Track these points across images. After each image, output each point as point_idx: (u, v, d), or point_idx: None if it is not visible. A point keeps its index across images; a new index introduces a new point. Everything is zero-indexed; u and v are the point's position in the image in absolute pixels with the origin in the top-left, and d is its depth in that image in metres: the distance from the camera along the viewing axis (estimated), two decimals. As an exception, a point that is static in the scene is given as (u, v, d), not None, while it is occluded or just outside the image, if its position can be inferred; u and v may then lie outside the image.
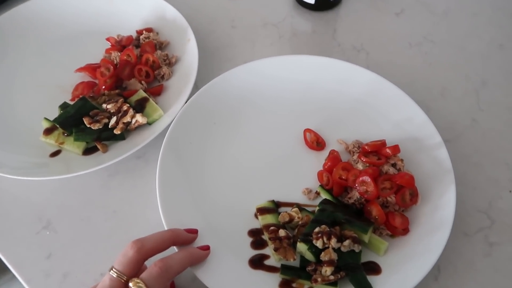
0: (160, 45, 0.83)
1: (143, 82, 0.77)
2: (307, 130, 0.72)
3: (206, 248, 0.57)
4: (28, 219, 0.67)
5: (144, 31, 0.83)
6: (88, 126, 0.69)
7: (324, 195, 0.65)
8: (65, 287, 0.61)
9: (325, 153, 0.70)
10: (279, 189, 0.66)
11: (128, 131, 0.72)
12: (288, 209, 0.64)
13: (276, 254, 0.58)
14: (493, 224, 0.65)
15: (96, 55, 0.83)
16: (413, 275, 0.55)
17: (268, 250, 0.60)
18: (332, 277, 0.54)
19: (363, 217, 0.61)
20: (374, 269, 0.57)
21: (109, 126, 0.70)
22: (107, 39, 0.83)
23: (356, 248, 0.57)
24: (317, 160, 0.70)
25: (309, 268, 0.56)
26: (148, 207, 0.67)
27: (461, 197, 0.66)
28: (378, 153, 0.66)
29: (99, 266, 0.62)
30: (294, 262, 0.58)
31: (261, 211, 0.63)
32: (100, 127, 0.69)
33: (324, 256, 0.56)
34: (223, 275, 0.57)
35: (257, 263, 0.59)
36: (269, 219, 0.62)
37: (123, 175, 0.71)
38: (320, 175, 0.67)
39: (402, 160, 0.66)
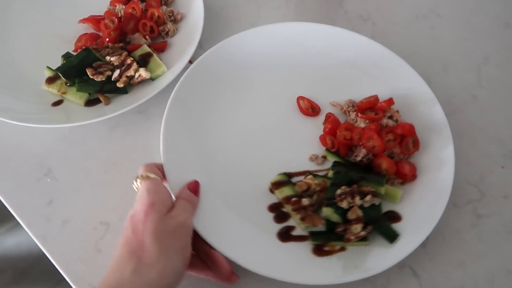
0: (166, 1, 0.82)
1: (147, 37, 0.77)
2: (300, 98, 0.72)
3: (195, 186, 0.59)
4: (29, 165, 0.68)
5: (150, -15, 0.82)
6: (91, 77, 0.69)
7: (332, 158, 0.66)
8: (65, 232, 0.62)
9: (321, 118, 0.71)
10: (286, 160, 0.67)
11: (131, 85, 0.72)
12: (300, 178, 0.65)
13: (302, 223, 0.59)
14: (482, 197, 0.67)
15: (100, 6, 0.81)
16: (430, 216, 0.59)
17: (292, 221, 0.61)
18: (363, 233, 0.57)
19: (374, 171, 0.64)
20: (395, 217, 0.61)
21: (112, 79, 0.70)
22: (112, -9, 0.82)
23: (376, 201, 0.60)
24: (316, 126, 0.71)
25: (338, 230, 0.58)
26: (148, 160, 0.68)
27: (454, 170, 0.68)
28: (373, 109, 0.68)
29: (98, 215, 0.64)
30: (320, 226, 0.60)
31: (276, 185, 0.63)
32: (103, 79, 0.69)
33: (351, 215, 0.58)
34: (256, 253, 0.58)
35: (285, 235, 0.60)
36: (286, 191, 0.62)
37: (124, 128, 0.72)
38: (323, 139, 0.68)
39: (397, 111, 0.69)
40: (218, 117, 0.70)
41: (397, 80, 0.72)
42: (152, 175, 0.54)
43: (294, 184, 0.63)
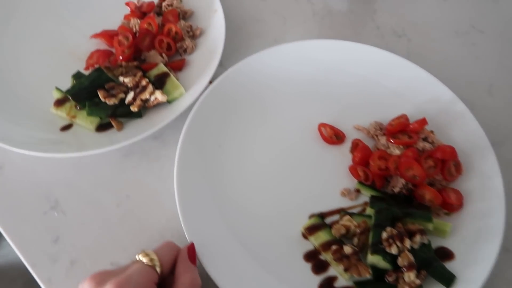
0: (184, 15, 0.76)
1: (164, 55, 0.70)
2: (322, 125, 0.65)
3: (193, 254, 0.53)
4: (35, 197, 0.62)
5: (167, -2, 0.76)
6: (103, 100, 0.63)
7: (367, 192, 0.60)
8: (72, 275, 0.57)
9: (347, 145, 0.65)
10: (315, 198, 0.60)
11: (145, 108, 0.66)
12: (335, 218, 0.59)
13: (346, 273, 0.53)
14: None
15: (113, 20, 0.75)
16: (487, 252, 0.54)
17: (333, 270, 0.55)
18: (418, 281, 0.51)
19: (416, 203, 0.58)
20: (447, 254, 0.55)
21: (126, 102, 0.64)
22: (127, 4, 0.76)
23: (425, 239, 0.54)
24: (342, 155, 0.64)
25: (390, 279, 0.52)
26: (163, 194, 0.62)
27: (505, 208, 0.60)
28: (405, 131, 0.62)
29: (109, 254, 0.58)
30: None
31: (310, 230, 0.57)
32: (116, 102, 0.63)
33: (402, 262, 0.52)
34: None
35: None
36: (322, 236, 0.56)
37: (138, 156, 0.66)
38: (353, 170, 0.62)
39: (432, 132, 0.63)
40: (237, 148, 0.64)
41: (428, 99, 0.66)
42: (145, 259, 0.48)
43: (330, 227, 0.57)
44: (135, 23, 0.72)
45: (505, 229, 0.55)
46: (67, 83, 0.67)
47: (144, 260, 0.48)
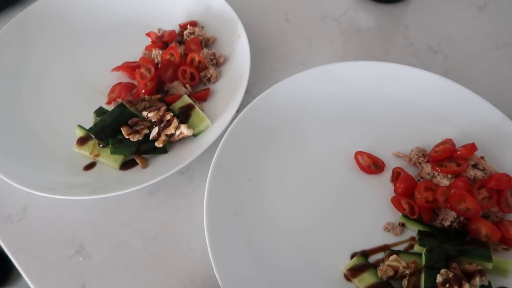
0: (207, 42, 0.73)
1: (187, 85, 0.68)
2: (358, 153, 0.61)
3: None
4: (60, 241, 0.60)
5: (188, 26, 0.73)
6: (127, 137, 0.60)
7: (413, 226, 0.55)
8: (99, 326, 0.53)
9: (387, 174, 0.60)
10: (355, 235, 0.56)
11: (170, 142, 0.63)
12: (379, 256, 0.54)
13: None
14: None
15: (134, 52, 0.73)
16: None
17: None
18: None
19: (470, 238, 0.53)
20: None
21: (150, 138, 0.61)
22: (147, 35, 0.74)
23: (485, 281, 0.48)
24: (382, 185, 0.59)
25: None
26: (192, 233, 0.59)
27: None
28: (452, 158, 0.57)
29: (138, 302, 0.54)
30: None
31: (353, 271, 0.52)
32: (140, 138, 0.60)
33: None
34: None
35: None
36: (367, 279, 0.51)
37: (164, 193, 0.62)
38: (396, 202, 0.57)
39: (483, 158, 0.58)
40: (268, 183, 0.60)
41: (473, 120, 0.61)
42: None
43: (375, 267, 0.52)
44: (156, 54, 0.69)
45: None
46: (89, 119, 0.65)
47: None
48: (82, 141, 0.62)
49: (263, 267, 0.53)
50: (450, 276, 0.47)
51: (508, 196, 0.54)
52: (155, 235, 0.59)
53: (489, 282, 0.49)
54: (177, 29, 0.75)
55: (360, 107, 0.65)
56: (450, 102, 0.63)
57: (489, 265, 0.50)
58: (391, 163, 0.61)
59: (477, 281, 0.48)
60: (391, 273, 0.50)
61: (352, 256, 0.54)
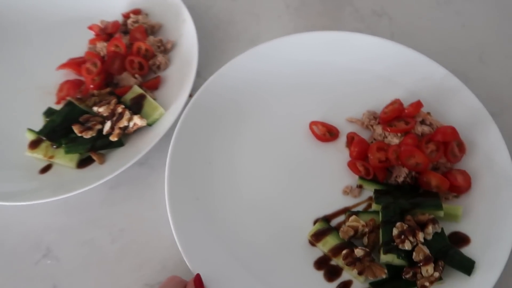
0: (152, 30, 0.72)
1: (137, 75, 0.67)
2: (313, 123, 0.62)
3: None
4: (24, 247, 0.59)
5: (131, 14, 0.72)
6: (80, 135, 0.59)
7: (370, 186, 0.57)
8: (76, 324, 0.54)
9: (342, 140, 0.62)
10: (316, 201, 0.57)
11: (126, 135, 0.62)
12: (340, 219, 0.56)
13: (361, 276, 0.50)
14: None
15: (78, 47, 0.71)
16: (503, 229, 0.51)
17: (346, 275, 0.52)
18: (437, 274, 0.48)
19: (422, 191, 0.56)
20: (462, 239, 0.53)
21: (104, 133, 0.60)
22: (90, 28, 0.72)
23: (438, 228, 0.51)
24: (339, 151, 0.61)
25: (407, 276, 0.49)
26: (160, 222, 0.59)
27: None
28: (401, 118, 0.59)
29: (112, 296, 0.55)
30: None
31: (317, 236, 0.54)
32: (94, 134, 0.60)
33: (417, 256, 0.49)
34: None
35: None
36: (330, 242, 0.53)
37: (126, 186, 0.62)
38: (352, 166, 0.59)
39: (429, 113, 0.60)
40: (228, 163, 0.60)
41: (419, 79, 0.63)
42: None
43: (337, 229, 0.54)
44: (101, 46, 0.68)
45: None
46: (40, 121, 0.64)
47: None
48: (34, 145, 0.61)
49: (230, 245, 0.54)
50: (405, 228, 0.50)
51: (454, 147, 0.56)
52: (122, 228, 0.59)
53: (442, 229, 0.52)
54: (120, 19, 0.73)
55: (311, 78, 0.66)
56: (397, 64, 0.64)
57: (441, 213, 0.52)
58: (345, 129, 0.62)
59: (430, 229, 0.50)
60: (351, 233, 0.52)
61: (315, 222, 0.56)
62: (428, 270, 0.48)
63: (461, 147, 0.57)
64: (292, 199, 0.58)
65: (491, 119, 0.58)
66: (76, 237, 0.59)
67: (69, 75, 0.70)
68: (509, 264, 0.50)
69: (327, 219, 0.56)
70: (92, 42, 0.70)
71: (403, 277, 0.49)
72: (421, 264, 0.48)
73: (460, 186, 0.55)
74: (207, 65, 0.70)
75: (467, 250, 0.51)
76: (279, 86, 0.66)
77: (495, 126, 0.57)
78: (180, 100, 0.63)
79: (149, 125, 0.62)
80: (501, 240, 0.50)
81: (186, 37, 0.69)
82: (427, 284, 0.48)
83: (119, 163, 0.59)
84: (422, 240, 0.50)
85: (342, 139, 0.62)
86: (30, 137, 0.62)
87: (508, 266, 0.49)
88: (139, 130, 0.62)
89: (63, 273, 0.57)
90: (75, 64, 0.68)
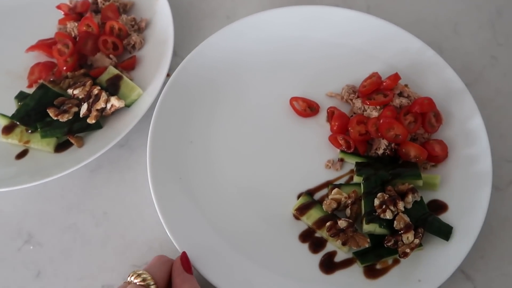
0: (124, 8, 0.70)
1: (111, 56, 0.65)
2: (293, 99, 0.62)
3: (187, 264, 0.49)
4: (5, 235, 0.58)
5: (101, -8, 0.69)
6: (56, 118, 0.58)
7: (351, 159, 0.58)
8: (63, 308, 0.54)
9: (323, 115, 0.62)
10: (299, 176, 0.58)
11: (104, 117, 0.61)
12: (323, 192, 0.57)
13: (345, 247, 0.51)
14: (526, 174, 0.60)
15: (47, 28, 0.69)
16: (479, 196, 0.53)
17: (331, 246, 0.53)
18: (417, 240, 0.50)
19: (402, 161, 0.57)
20: (441, 206, 0.55)
21: (81, 115, 0.59)
22: (58, 7, 0.69)
23: (418, 197, 0.53)
24: (320, 126, 0.62)
25: (389, 244, 0.50)
26: (143, 203, 0.59)
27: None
28: (379, 90, 0.60)
29: (98, 279, 0.55)
30: None
31: (301, 210, 0.54)
32: (70, 117, 0.58)
33: (398, 225, 0.50)
34: None
35: (328, 265, 0.52)
36: (314, 215, 0.54)
37: (107, 168, 0.61)
38: (333, 140, 0.60)
39: (407, 85, 0.61)
40: (210, 141, 0.60)
41: (396, 52, 0.64)
42: (137, 280, 0.45)
43: (320, 203, 0.55)
44: (72, 27, 0.65)
45: (493, 169, 0.54)
46: (12, 106, 0.61)
47: (137, 281, 0.45)
48: (7, 130, 0.59)
49: (215, 222, 0.54)
50: (386, 198, 0.51)
51: (431, 117, 0.58)
52: (105, 211, 0.59)
53: (421, 197, 0.54)
54: (90, -3, 0.70)
55: (289, 54, 0.66)
56: (374, 37, 0.65)
57: (420, 182, 0.54)
58: (325, 104, 0.63)
59: (410, 198, 0.52)
60: (334, 205, 0.54)
61: (299, 197, 0.57)
62: (408, 237, 0.50)
63: (438, 117, 0.58)
64: (275, 174, 0.58)
65: (466, 89, 0.59)
66: (58, 222, 0.58)
67: (40, 57, 0.67)
68: (485, 228, 0.52)
69: (310, 193, 0.57)
70: (61, 22, 0.68)
71: (385, 245, 0.51)
72: (402, 232, 0.50)
73: (437, 156, 0.57)
74: (183, 44, 0.69)
75: (445, 217, 0.53)
76: (257, 62, 0.65)
77: (470, 96, 0.59)
78: (157, 80, 0.62)
79: (127, 106, 0.61)
80: (477, 206, 0.53)
81: (160, 15, 0.68)
82: (408, 250, 0.49)
83: (98, 145, 0.58)
84: (402, 209, 0.51)
85: (323, 114, 0.62)
86: (3, 122, 0.60)
87: (484, 230, 0.52)
88: (117, 111, 0.61)
89: (47, 259, 0.56)
90: (46, 45, 0.65)
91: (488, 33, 0.70)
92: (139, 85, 0.62)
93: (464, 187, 0.55)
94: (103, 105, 0.58)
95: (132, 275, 0.45)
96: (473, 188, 0.54)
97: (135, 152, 0.62)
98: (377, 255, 0.51)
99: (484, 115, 0.58)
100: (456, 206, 0.54)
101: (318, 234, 0.54)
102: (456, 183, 0.55)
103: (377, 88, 0.60)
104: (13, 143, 0.59)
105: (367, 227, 0.51)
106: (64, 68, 0.62)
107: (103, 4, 0.68)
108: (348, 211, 0.54)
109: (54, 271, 0.56)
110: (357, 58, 0.65)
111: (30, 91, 0.62)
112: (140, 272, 0.45)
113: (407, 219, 0.51)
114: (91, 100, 0.59)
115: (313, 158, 0.59)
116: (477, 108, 0.58)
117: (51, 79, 0.61)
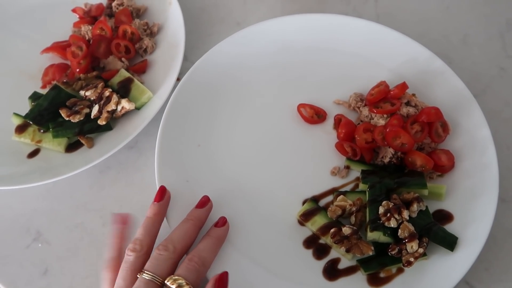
0: (137, 12, 0.71)
1: (123, 59, 0.66)
2: (300, 106, 0.63)
3: (223, 221, 0.52)
4: (14, 232, 0.59)
5: (116, -3, 0.71)
6: (67, 119, 0.59)
7: (357, 167, 0.59)
8: (68, 306, 0.54)
9: (330, 123, 0.62)
10: (305, 182, 0.58)
11: (114, 119, 0.62)
12: (328, 199, 0.57)
13: (349, 254, 0.52)
14: (533, 186, 0.59)
15: (62, 31, 0.70)
16: (485, 207, 0.53)
17: (335, 253, 0.54)
18: (421, 250, 0.49)
19: (408, 170, 0.57)
20: (446, 216, 0.54)
21: (92, 117, 0.60)
22: (73, 11, 0.71)
23: (423, 206, 0.53)
24: (326, 133, 0.62)
25: (393, 252, 0.50)
26: (149, 205, 0.58)
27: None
28: (386, 99, 0.60)
29: (104, 278, 0.55)
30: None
31: (305, 216, 0.55)
32: (81, 118, 0.59)
33: (403, 233, 0.50)
34: None
35: (332, 272, 0.52)
36: (319, 221, 0.54)
37: (115, 170, 0.62)
38: (340, 147, 0.60)
39: (414, 95, 0.61)
40: (217, 146, 0.60)
41: (404, 61, 0.64)
42: (174, 286, 0.44)
43: (325, 209, 0.55)
44: (86, 30, 0.67)
45: (499, 180, 0.54)
46: (26, 106, 0.63)
47: (173, 286, 0.44)
48: (20, 129, 0.61)
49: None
50: (391, 206, 0.52)
51: (438, 127, 0.58)
52: (112, 211, 0.59)
53: (426, 207, 0.54)
54: (104, 2, 0.72)
55: (299, 61, 0.66)
56: (383, 46, 0.65)
57: (425, 192, 0.54)
58: (333, 111, 0.63)
59: (415, 207, 0.52)
60: (339, 212, 0.54)
61: (304, 203, 0.57)
62: (413, 246, 0.50)
63: (445, 127, 0.58)
64: (281, 180, 0.59)
65: (474, 100, 0.59)
66: (66, 221, 0.59)
67: (54, 59, 0.69)
68: (490, 239, 0.52)
69: (315, 199, 0.57)
70: (76, 25, 0.69)
71: (389, 253, 0.51)
72: (406, 240, 0.50)
73: (444, 166, 0.56)
74: (194, 49, 0.70)
75: (450, 227, 0.53)
76: (266, 69, 0.66)
77: (478, 106, 0.59)
78: (167, 83, 0.63)
79: (137, 108, 0.62)
80: (482, 217, 0.52)
81: (172, 20, 0.69)
82: (411, 259, 0.49)
83: (108, 147, 0.59)
84: (407, 217, 0.51)
85: (330, 121, 0.63)
86: (16, 121, 0.61)
87: (488, 242, 0.51)
88: (127, 114, 0.62)
89: (54, 256, 0.57)
90: (60, 47, 0.67)
91: (497, 44, 0.70)
92: (150, 89, 0.63)
93: (470, 198, 0.54)
94: (113, 107, 0.59)
95: (168, 281, 0.44)
96: (479, 199, 0.54)
97: (144, 154, 0.63)
98: (380, 263, 0.51)
99: (491, 126, 0.58)
100: (461, 216, 0.54)
101: (322, 240, 0.54)
102: (462, 194, 0.55)
103: (385, 97, 0.60)
104: (25, 142, 0.61)
105: (371, 235, 0.51)
106: (77, 70, 0.64)
107: (117, 8, 0.70)
108: (352, 218, 0.54)
109: (61, 268, 0.56)
110: (365, 67, 0.65)
111: (44, 91, 0.64)
112: (176, 277, 0.44)
113: (411, 228, 0.51)
114: (102, 102, 0.60)
115: (319, 164, 0.60)
116: (485, 119, 0.58)
117: (64, 81, 0.63)
